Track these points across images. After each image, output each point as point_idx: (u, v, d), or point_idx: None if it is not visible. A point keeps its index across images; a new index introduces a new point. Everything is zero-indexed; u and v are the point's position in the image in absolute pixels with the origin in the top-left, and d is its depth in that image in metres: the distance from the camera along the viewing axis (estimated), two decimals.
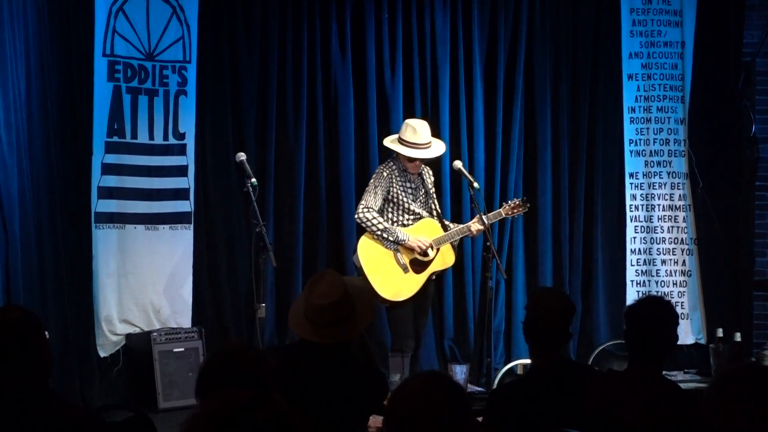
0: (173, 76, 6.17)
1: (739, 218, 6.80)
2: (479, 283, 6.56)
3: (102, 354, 5.91)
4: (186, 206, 6.23)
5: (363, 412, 3.52)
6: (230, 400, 1.78)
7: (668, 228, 6.83)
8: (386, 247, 5.75)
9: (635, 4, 6.80)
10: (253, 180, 5.61)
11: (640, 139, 6.85)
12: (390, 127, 6.39)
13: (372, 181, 5.81)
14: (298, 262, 6.43)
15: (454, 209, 6.61)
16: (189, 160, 6.23)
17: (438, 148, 5.88)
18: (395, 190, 5.78)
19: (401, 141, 5.79)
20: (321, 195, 6.52)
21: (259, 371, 2.58)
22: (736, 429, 2.32)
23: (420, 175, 5.91)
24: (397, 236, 5.71)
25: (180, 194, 6.21)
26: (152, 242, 6.11)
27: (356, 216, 5.76)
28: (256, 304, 5.58)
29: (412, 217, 5.84)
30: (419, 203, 5.88)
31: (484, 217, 5.77)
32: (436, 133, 6.28)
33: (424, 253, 5.78)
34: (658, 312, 3.36)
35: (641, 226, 6.84)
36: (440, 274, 6.20)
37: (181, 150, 6.21)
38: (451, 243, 5.90)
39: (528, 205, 6.05)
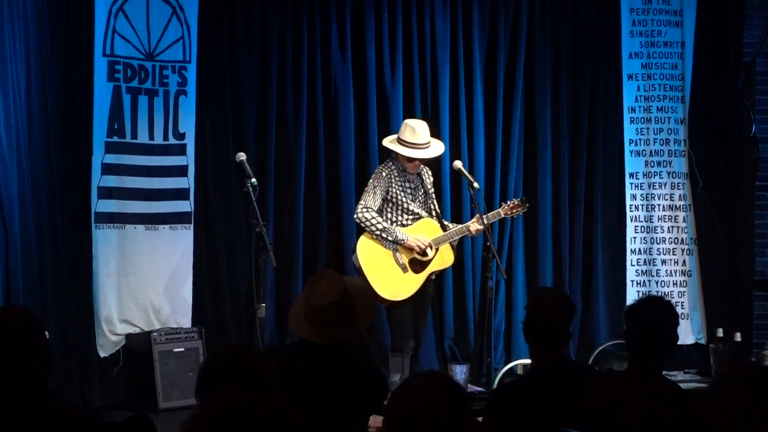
0: (173, 76, 6.17)
1: (739, 218, 6.80)
2: (479, 283, 6.56)
3: (102, 354, 5.91)
4: (186, 206, 6.23)
5: (363, 412, 3.52)
6: (230, 400, 1.78)
7: (668, 228, 6.83)
8: (385, 246, 5.75)
9: (635, 4, 6.80)
10: (253, 180, 5.61)
11: (640, 139, 6.85)
12: (390, 127, 6.39)
13: (371, 181, 5.82)
14: (298, 262, 6.43)
15: (454, 209, 6.61)
16: (189, 160, 6.23)
17: (437, 148, 5.88)
18: (394, 190, 5.79)
19: (400, 141, 5.79)
20: (321, 195, 6.52)
21: (259, 371, 2.58)
22: (736, 429, 2.32)
23: (419, 175, 5.91)
24: (396, 236, 5.71)
25: (180, 194, 6.21)
26: (152, 242, 6.11)
27: (355, 216, 5.76)
28: (256, 304, 5.58)
29: (411, 217, 5.84)
30: (418, 203, 5.89)
31: (483, 217, 5.77)
32: (436, 133, 6.28)
33: (423, 253, 5.78)
34: (658, 312, 3.36)
35: (641, 226, 6.84)
36: (440, 274, 6.20)
37: (181, 150, 6.21)
38: (450, 243, 5.90)
39: (527, 205, 6.05)
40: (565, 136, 6.79)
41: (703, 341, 6.74)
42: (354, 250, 5.79)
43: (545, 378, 3.43)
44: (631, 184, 6.84)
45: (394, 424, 2.21)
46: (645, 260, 6.83)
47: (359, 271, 5.72)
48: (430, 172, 6.04)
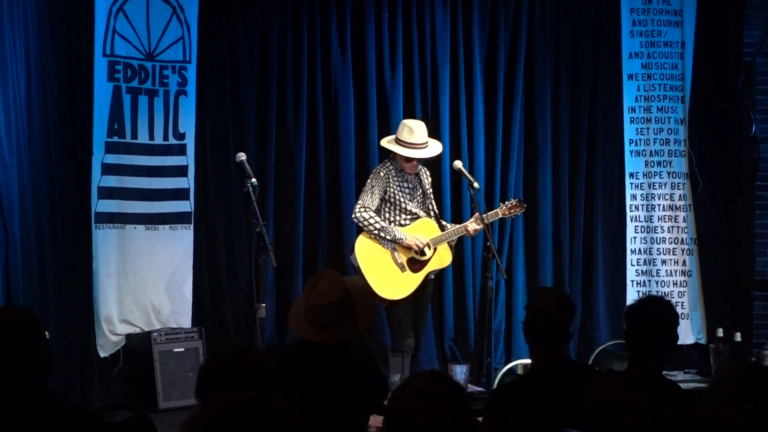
0: (173, 76, 6.17)
1: (739, 218, 6.80)
2: (479, 284, 6.56)
3: (102, 354, 5.91)
4: (186, 206, 6.23)
5: (363, 412, 3.52)
6: (230, 400, 1.78)
7: (668, 228, 6.83)
8: (383, 246, 5.76)
9: (635, 4, 6.80)
10: (253, 180, 5.61)
11: (640, 139, 6.85)
12: (390, 127, 6.39)
13: (369, 181, 5.82)
14: (298, 262, 6.43)
15: (454, 209, 6.61)
16: (189, 160, 6.23)
17: (434, 148, 5.89)
18: (392, 190, 5.79)
19: (398, 141, 5.80)
20: (321, 195, 6.52)
21: (259, 371, 2.57)
22: (736, 429, 2.32)
23: (417, 175, 5.91)
24: (394, 235, 5.71)
25: (180, 194, 6.21)
26: (152, 242, 6.11)
27: (353, 215, 5.76)
28: (256, 304, 5.58)
29: (409, 216, 5.84)
30: (416, 203, 5.89)
31: (482, 217, 5.77)
32: (436, 133, 6.28)
33: (421, 252, 5.79)
34: (658, 312, 3.36)
35: (641, 226, 6.84)
36: (439, 274, 6.21)
37: (181, 150, 6.21)
38: (448, 243, 5.90)
39: (525, 205, 6.06)
40: (565, 136, 6.79)
41: (703, 341, 6.74)
42: (352, 250, 5.80)
43: (545, 378, 3.43)
44: (631, 184, 6.83)
45: (394, 424, 2.21)
46: (645, 260, 6.83)
47: (357, 270, 5.72)
48: (428, 173, 6.05)
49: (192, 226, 6.24)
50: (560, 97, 6.78)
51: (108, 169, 5.97)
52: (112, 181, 5.99)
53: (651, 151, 6.84)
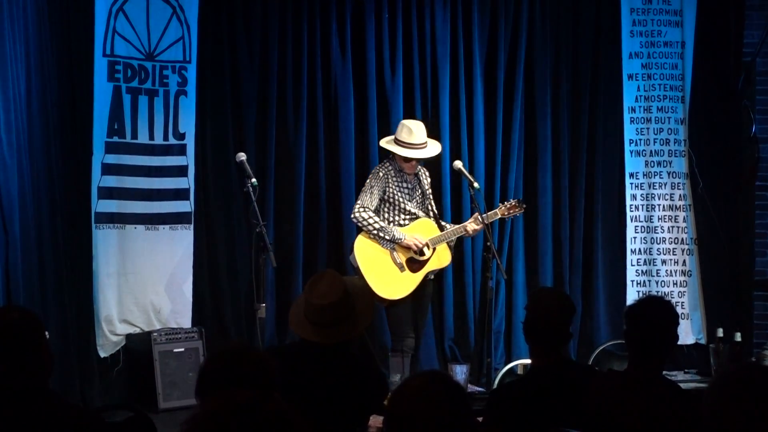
0: (173, 76, 6.17)
1: (739, 218, 6.80)
2: (479, 284, 6.56)
3: (102, 354, 5.91)
4: (186, 206, 6.23)
5: (363, 412, 3.52)
6: (230, 400, 1.78)
7: (668, 228, 6.83)
8: (383, 246, 5.76)
9: (635, 4, 6.80)
10: (253, 180, 5.61)
11: (640, 139, 6.85)
12: (390, 127, 6.39)
13: (368, 181, 5.82)
14: (298, 262, 6.43)
15: (454, 209, 6.61)
16: (189, 160, 6.23)
17: (433, 148, 5.90)
18: (391, 190, 5.79)
19: (397, 141, 5.81)
20: (321, 195, 6.52)
21: (259, 371, 2.57)
22: (736, 429, 2.32)
23: (416, 175, 5.92)
24: (394, 235, 5.71)
25: (180, 194, 6.21)
26: (152, 242, 6.11)
27: (352, 216, 5.76)
28: (256, 304, 5.59)
29: (408, 217, 5.84)
30: (415, 203, 5.89)
31: (481, 217, 5.78)
32: (436, 133, 6.29)
33: (421, 252, 5.79)
34: (658, 312, 3.36)
35: (641, 226, 6.84)
36: (439, 274, 6.21)
37: (181, 150, 6.21)
38: (447, 243, 5.90)
39: (524, 206, 6.06)
40: (565, 136, 6.79)
41: (703, 341, 6.74)
42: (351, 250, 5.80)
43: (545, 378, 3.43)
44: (631, 184, 6.83)
45: (394, 424, 2.21)
46: (645, 260, 6.83)
47: (356, 270, 5.72)
48: (427, 173, 6.05)
49: (192, 226, 6.24)
50: (560, 97, 6.78)
51: (108, 169, 5.97)
52: (112, 181, 5.99)
53: (651, 151, 6.84)
